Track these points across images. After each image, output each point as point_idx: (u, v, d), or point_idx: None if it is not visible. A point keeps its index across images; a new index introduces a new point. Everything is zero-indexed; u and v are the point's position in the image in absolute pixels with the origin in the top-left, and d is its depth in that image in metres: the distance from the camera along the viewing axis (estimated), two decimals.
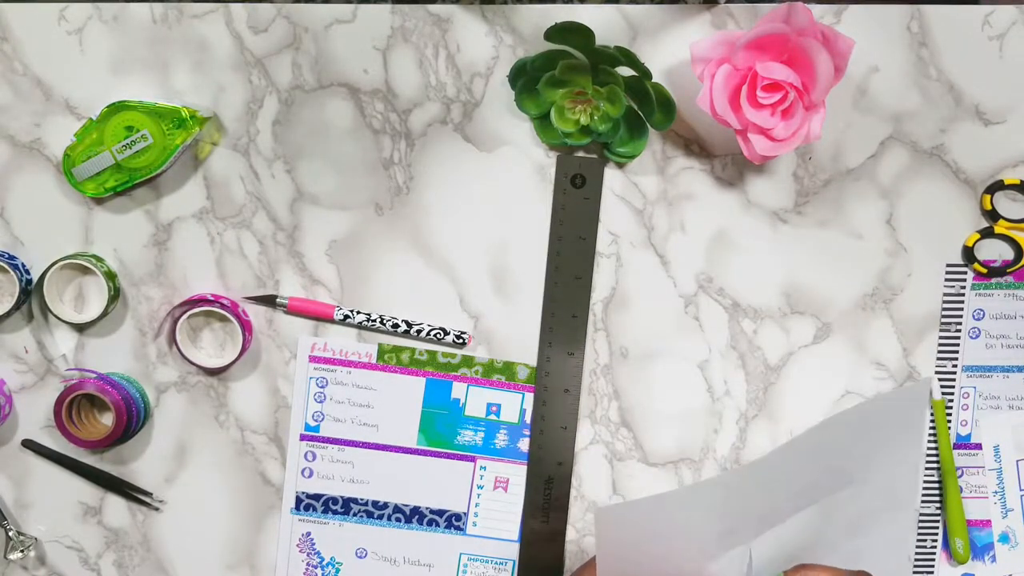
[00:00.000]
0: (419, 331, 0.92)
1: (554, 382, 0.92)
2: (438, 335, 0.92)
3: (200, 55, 0.90)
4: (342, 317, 0.92)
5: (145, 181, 0.90)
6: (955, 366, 0.93)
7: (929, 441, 0.94)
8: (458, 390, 0.93)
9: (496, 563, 0.95)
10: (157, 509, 0.95)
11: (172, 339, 0.91)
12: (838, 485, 0.80)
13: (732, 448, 0.94)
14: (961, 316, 0.93)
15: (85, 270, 0.91)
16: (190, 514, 0.95)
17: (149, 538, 0.95)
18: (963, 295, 0.93)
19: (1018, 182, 0.91)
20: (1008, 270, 0.92)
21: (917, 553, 0.95)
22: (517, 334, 0.93)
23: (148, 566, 0.95)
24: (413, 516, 0.94)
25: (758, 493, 0.74)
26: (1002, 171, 0.92)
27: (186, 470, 0.94)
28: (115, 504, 0.95)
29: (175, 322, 0.91)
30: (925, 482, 0.94)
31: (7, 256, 0.91)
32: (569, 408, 0.92)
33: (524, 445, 0.94)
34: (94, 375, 0.91)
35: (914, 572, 0.95)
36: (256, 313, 0.93)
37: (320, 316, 0.92)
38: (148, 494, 0.94)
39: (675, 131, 0.91)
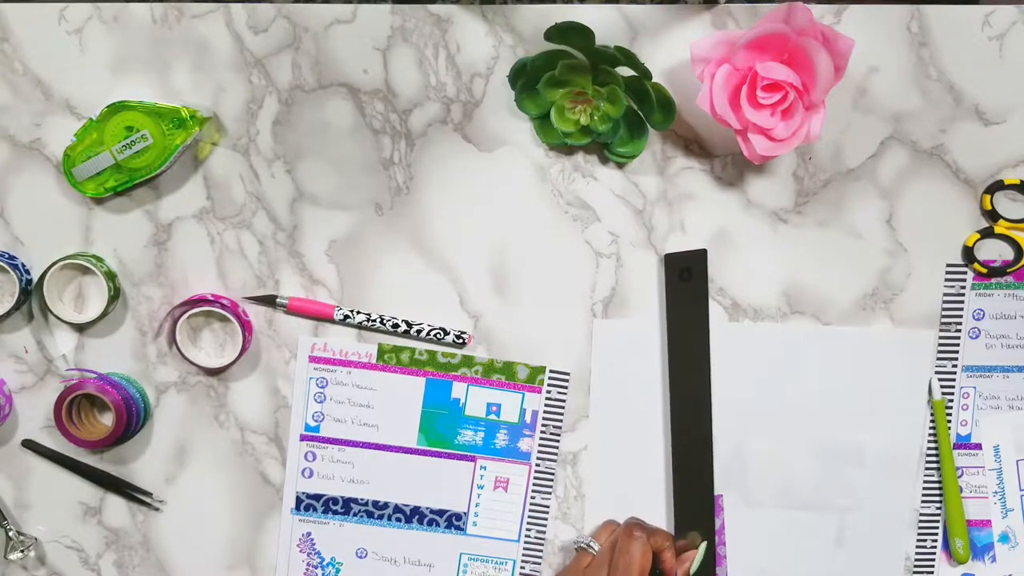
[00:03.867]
0: (419, 331, 0.92)
1: (694, 481, 0.92)
2: (438, 335, 0.92)
3: (200, 55, 0.90)
4: (342, 317, 0.92)
5: (145, 181, 0.90)
6: (955, 366, 0.93)
7: (929, 441, 0.94)
8: (458, 390, 0.93)
9: (496, 563, 0.95)
10: (157, 509, 0.95)
11: (172, 339, 0.91)
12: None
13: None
14: (961, 316, 0.93)
15: (85, 270, 0.91)
16: (190, 514, 0.95)
17: (149, 538, 0.95)
18: (963, 295, 0.92)
19: (1018, 182, 0.91)
20: (1008, 270, 0.92)
21: (917, 553, 0.95)
22: (517, 334, 0.93)
23: (148, 566, 0.95)
24: (413, 516, 0.94)
25: None
26: (1002, 171, 0.91)
27: (186, 470, 0.94)
28: (115, 504, 0.95)
29: (175, 322, 0.91)
30: (925, 482, 0.94)
31: (7, 256, 0.91)
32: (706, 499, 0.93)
33: (524, 445, 0.94)
34: (94, 375, 0.91)
35: (914, 572, 0.95)
36: (256, 313, 0.93)
37: (320, 316, 0.92)
38: (148, 494, 0.94)
39: (675, 131, 0.91)
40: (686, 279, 0.90)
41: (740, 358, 0.93)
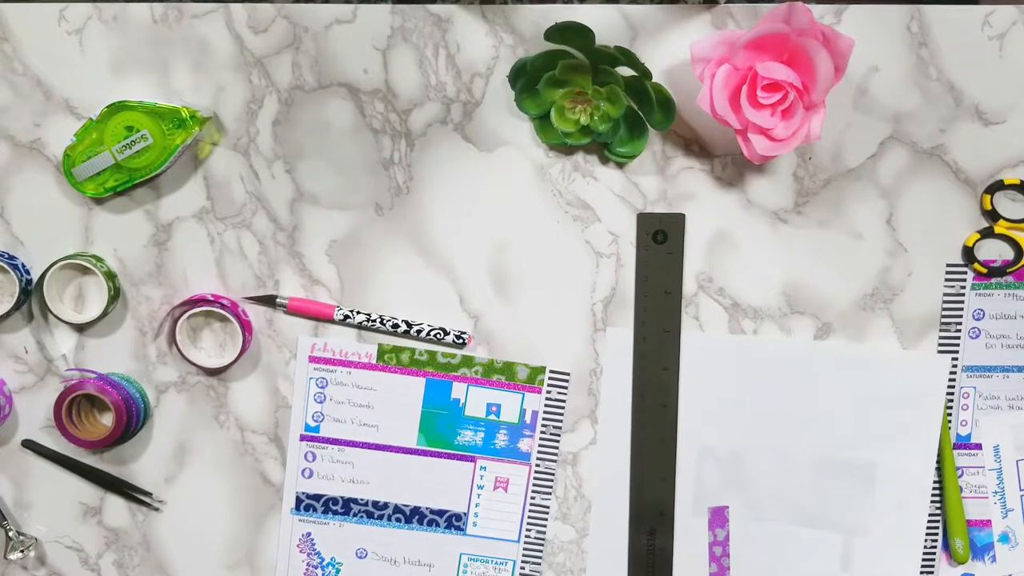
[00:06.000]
0: (419, 331, 0.92)
1: (650, 434, 0.92)
2: (438, 335, 0.92)
3: (200, 55, 0.90)
4: (342, 317, 0.92)
5: (145, 181, 0.90)
6: (955, 366, 0.93)
7: None
8: (458, 390, 0.93)
9: (496, 563, 0.95)
10: (157, 509, 0.95)
11: (172, 339, 0.91)
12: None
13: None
14: (961, 316, 0.93)
15: (85, 270, 0.91)
16: (190, 514, 0.95)
17: (149, 538, 0.95)
18: (963, 295, 0.92)
19: (1018, 182, 0.91)
20: (1008, 270, 0.92)
21: None
22: (517, 334, 0.93)
23: (148, 566, 0.95)
24: (413, 516, 0.94)
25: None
26: (1002, 171, 0.91)
27: (186, 470, 0.94)
28: (115, 504, 0.95)
29: (175, 322, 0.91)
30: None
31: (7, 256, 0.91)
32: (667, 461, 0.92)
33: (524, 445, 0.94)
34: (94, 375, 0.91)
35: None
36: (256, 313, 0.93)
37: (320, 316, 0.92)
38: (148, 494, 0.94)
39: (675, 131, 0.91)
40: (660, 241, 0.89)
41: (744, 371, 0.92)
